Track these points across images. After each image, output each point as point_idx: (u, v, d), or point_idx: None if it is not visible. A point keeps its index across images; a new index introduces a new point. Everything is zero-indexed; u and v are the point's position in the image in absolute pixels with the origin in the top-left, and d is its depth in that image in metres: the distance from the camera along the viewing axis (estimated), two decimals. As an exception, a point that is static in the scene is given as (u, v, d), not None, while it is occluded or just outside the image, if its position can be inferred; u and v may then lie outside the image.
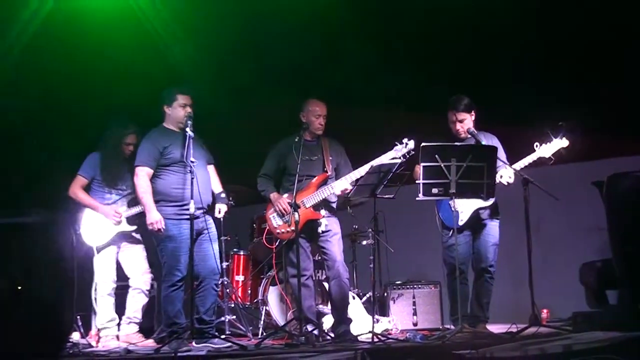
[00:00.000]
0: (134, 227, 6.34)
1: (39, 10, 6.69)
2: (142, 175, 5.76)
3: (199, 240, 5.79)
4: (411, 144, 5.65)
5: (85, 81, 7.35)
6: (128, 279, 6.35)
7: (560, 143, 5.68)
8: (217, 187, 6.03)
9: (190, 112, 5.83)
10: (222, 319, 6.43)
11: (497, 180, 5.70)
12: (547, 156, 5.68)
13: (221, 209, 5.98)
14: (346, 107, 6.99)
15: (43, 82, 7.35)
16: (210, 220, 5.91)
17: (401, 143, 5.67)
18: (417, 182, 5.39)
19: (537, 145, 5.71)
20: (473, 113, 5.92)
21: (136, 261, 6.34)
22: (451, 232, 5.76)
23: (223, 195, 5.99)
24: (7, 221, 4.81)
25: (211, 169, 6.06)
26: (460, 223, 5.77)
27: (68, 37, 7.02)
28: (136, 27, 7.07)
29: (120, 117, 6.46)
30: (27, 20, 6.75)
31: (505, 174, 5.68)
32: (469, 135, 5.85)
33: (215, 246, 5.88)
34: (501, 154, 5.87)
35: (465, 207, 5.82)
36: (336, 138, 6.10)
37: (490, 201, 5.79)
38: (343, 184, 5.75)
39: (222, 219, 6.14)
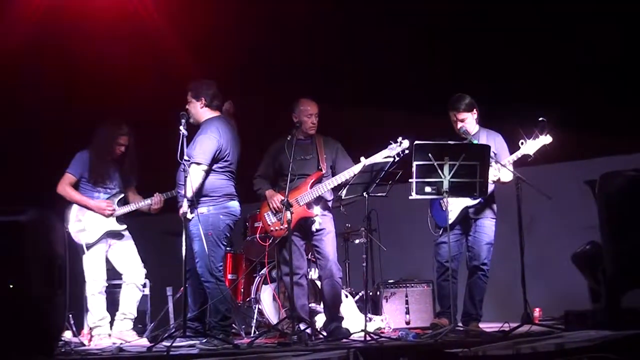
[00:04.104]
0: (124, 227, 6.32)
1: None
2: None
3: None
4: (405, 143, 5.63)
5: (81, 81, 7.36)
6: (118, 277, 6.33)
7: (544, 140, 5.68)
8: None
9: (187, 109, 5.74)
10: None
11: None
12: (531, 153, 5.68)
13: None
14: (343, 105, 7.00)
15: (37, 80, 7.34)
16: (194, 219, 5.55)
17: (396, 142, 5.65)
18: (410, 180, 5.38)
19: (522, 143, 5.71)
20: (475, 111, 5.91)
21: (129, 256, 6.32)
22: (441, 231, 5.78)
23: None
24: (-2, 219, 4.79)
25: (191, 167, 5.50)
26: (449, 221, 5.77)
27: (66, 35, 7.02)
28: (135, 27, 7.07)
29: (114, 118, 6.41)
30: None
31: (490, 174, 5.61)
32: (471, 134, 5.84)
33: (195, 245, 5.56)
34: (505, 153, 5.87)
35: (454, 206, 5.83)
36: (332, 136, 6.07)
37: (477, 199, 5.79)
38: (322, 189, 5.74)
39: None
